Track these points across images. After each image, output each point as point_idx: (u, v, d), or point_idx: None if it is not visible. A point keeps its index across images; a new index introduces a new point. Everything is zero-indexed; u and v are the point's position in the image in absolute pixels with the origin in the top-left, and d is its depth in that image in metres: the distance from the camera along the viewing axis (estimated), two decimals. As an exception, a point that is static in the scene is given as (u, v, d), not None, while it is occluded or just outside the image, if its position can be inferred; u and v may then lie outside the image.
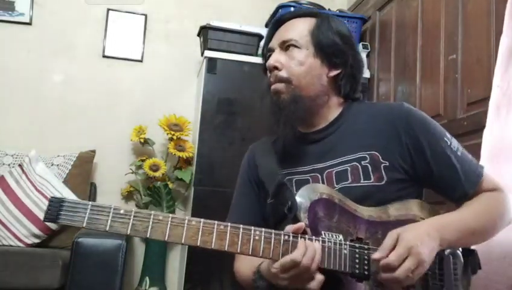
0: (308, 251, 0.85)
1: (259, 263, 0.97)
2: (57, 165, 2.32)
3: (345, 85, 1.11)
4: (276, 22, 1.16)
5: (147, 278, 2.37)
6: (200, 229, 0.84)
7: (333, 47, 1.09)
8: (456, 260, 0.96)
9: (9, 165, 2.26)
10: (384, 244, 0.90)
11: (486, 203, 1.02)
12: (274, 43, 1.12)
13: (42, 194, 2.11)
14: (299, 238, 0.88)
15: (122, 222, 0.82)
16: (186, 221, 0.84)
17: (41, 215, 2.05)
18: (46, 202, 2.01)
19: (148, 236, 0.82)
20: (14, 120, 2.53)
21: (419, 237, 0.89)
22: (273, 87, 1.09)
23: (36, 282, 1.70)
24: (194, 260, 2.24)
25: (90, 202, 0.82)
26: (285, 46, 1.09)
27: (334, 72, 1.10)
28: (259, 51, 2.51)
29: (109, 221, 0.81)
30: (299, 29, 1.10)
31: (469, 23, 1.79)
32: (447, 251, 0.95)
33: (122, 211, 0.82)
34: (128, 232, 0.82)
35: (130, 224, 0.82)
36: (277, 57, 1.09)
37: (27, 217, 2.04)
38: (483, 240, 1.03)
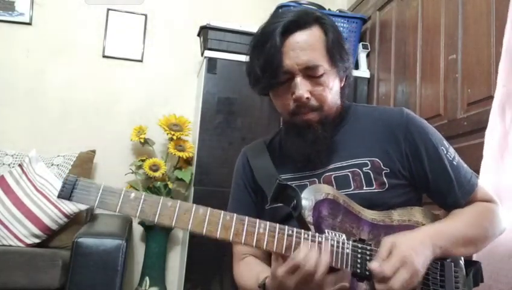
0: (310, 255, 0.84)
1: (261, 273, 0.97)
2: (57, 165, 2.32)
3: (347, 88, 1.12)
4: (282, 33, 1.01)
5: (147, 278, 2.38)
6: (207, 218, 0.85)
7: (344, 57, 1.05)
8: (458, 269, 0.97)
9: (9, 165, 2.26)
10: (379, 253, 0.90)
11: (478, 213, 1.02)
12: (292, 65, 1.00)
13: (42, 194, 2.11)
14: (302, 233, 0.88)
15: (132, 205, 0.83)
16: (193, 209, 0.85)
17: (41, 215, 2.05)
18: (46, 202, 2.05)
19: (156, 221, 0.83)
20: (14, 120, 2.53)
21: (413, 246, 0.89)
22: (304, 118, 1.02)
23: (36, 282, 1.70)
24: (194, 260, 2.24)
25: (103, 184, 0.83)
26: (309, 73, 1.00)
27: (343, 82, 1.10)
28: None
29: (119, 203, 0.83)
30: (316, 45, 1.01)
31: (469, 23, 1.79)
32: (449, 259, 0.96)
33: (132, 195, 0.84)
34: (137, 215, 0.83)
35: (139, 208, 0.83)
36: (305, 86, 1.00)
37: (27, 217, 2.04)
38: (476, 249, 1.04)
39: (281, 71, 1.00)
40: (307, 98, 1.00)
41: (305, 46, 1.00)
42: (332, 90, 1.04)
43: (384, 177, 1.01)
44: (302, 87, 1.00)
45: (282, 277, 0.85)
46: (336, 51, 1.03)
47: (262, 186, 1.08)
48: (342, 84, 1.09)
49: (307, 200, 0.93)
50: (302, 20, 1.03)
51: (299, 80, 1.00)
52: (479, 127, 1.59)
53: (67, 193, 0.82)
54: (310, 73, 1.00)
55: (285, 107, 1.04)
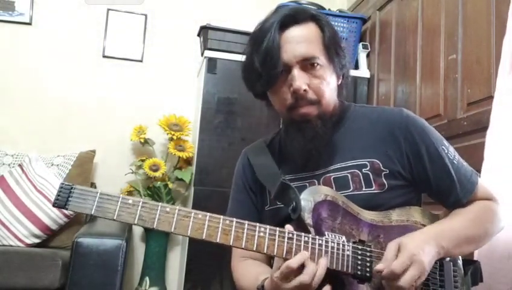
0: (307, 267, 0.84)
1: (260, 274, 0.97)
2: (57, 165, 2.32)
3: (345, 88, 1.11)
4: (280, 26, 1.02)
5: (147, 278, 2.38)
6: (206, 223, 0.84)
7: (340, 54, 1.06)
8: (456, 268, 0.97)
9: (9, 165, 2.26)
10: (386, 255, 0.90)
11: (479, 212, 1.03)
12: (290, 58, 1.00)
13: (42, 194, 2.11)
14: (302, 237, 0.88)
15: (130, 211, 0.82)
16: (192, 214, 0.84)
17: (41, 215, 2.05)
18: (46, 202, 2.05)
19: (154, 227, 0.82)
20: (14, 120, 2.53)
21: (420, 245, 0.90)
22: (303, 111, 1.01)
23: (36, 282, 1.70)
24: (194, 260, 2.24)
25: (99, 190, 0.82)
26: (305, 63, 1.01)
27: (340, 80, 1.09)
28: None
29: (117, 210, 0.81)
30: (313, 38, 1.03)
31: (469, 23, 1.79)
32: (448, 258, 0.96)
33: (130, 201, 0.82)
34: (135, 222, 0.81)
35: (138, 214, 0.82)
36: (303, 78, 1.00)
37: (27, 217, 2.04)
38: (476, 247, 1.06)
39: (280, 63, 0.99)
40: (305, 90, 1.00)
41: (301, 39, 1.01)
42: (329, 85, 1.03)
43: (383, 178, 1.01)
44: (300, 79, 0.99)
45: (278, 279, 0.85)
46: (332, 47, 1.03)
47: (265, 183, 1.08)
48: (339, 82, 1.09)
49: (306, 201, 0.93)
50: (298, 15, 1.04)
51: (296, 72, 1.00)
52: (479, 127, 1.59)
53: (62, 201, 0.80)
54: (307, 64, 1.01)
55: (283, 102, 1.03)
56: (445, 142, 1.06)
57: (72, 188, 0.81)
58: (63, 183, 0.81)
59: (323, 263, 0.86)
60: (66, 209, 0.81)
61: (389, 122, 1.06)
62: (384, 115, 1.09)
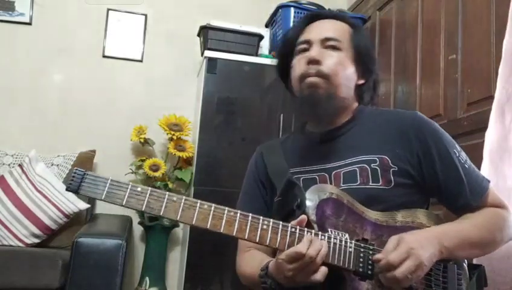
0: (313, 243, 0.87)
1: (264, 259, 0.99)
2: (57, 165, 2.32)
3: (366, 95, 1.14)
4: (312, 16, 1.16)
5: (147, 278, 2.38)
6: (211, 213, 0.87)
7: (368, 55, 1.12)
8: (461, 271, 0.97)
9: (9, 165, 2.26)
10: (386, 247, 0.92)
11: (487, 217, 1.03)
12: (314, 36, 1.10)
13: (42, 194, 2.11)
14: (305, 232, 0.89)
15: (138, 198, 0.85)
16: (198, 204, 0.87)
17: (41, 215, 2.05)
18: (46, 202, 2.06)
19: (161, 214, 0.86)
20: (14, 120, 2.53)
21: (419, 241, 0.91)
22: (311, 79, 1.06)
23: (36, 282, 1.70)
24: (194, 260, 2.24)
25: (110, 177, 0.85)
26: (327, 43, 1.08)
27: (360, 81, 1.12)
28: (260, 51, 2.51)
29: (126, 196, 0.85)
30: (342, 30, 1.11)
31: (469, 23, 1.79)
32: (452, 261, 0.96)
33: (139, 189, 0.86)
34: (143, 208, 0.85)
35: (146, 201, 0.85)
36: (320, 51, 1.07)
37: (27, 217, 2.04)
38: (483, 253, 1.05)
39: (300, 41, 1.11)
40: (318, 60, 1.05)
41: (332, 26, 1.12)
42: (345, 70, 1.07)
43: (391, 174, 1.02)
44: (315, 50, 1.07)
45: (283, 261, 0.87)
46: (360, 46, 1.10)
47: (274, 180, 1.11)
48: (360, 83, 1.12)
49: (311, 198, 0.94)
50: (343, 16, 1.16)
51: (316, 46, 1.08)
52: (479, 127, 1.59)
53: (75, 185, 0.84)
54: (328, 44, 1.08)
55: (298, 72, 1.09)
56: (457, 147, 1.07)
57: (85, 174, 0.85)
58: (77, 169, 0.85)
59: (326, 244, 0.88)
60: (78, 193, 0.85)
61: (402, 123, 1.08)
62: (398, 116, 1.11)
